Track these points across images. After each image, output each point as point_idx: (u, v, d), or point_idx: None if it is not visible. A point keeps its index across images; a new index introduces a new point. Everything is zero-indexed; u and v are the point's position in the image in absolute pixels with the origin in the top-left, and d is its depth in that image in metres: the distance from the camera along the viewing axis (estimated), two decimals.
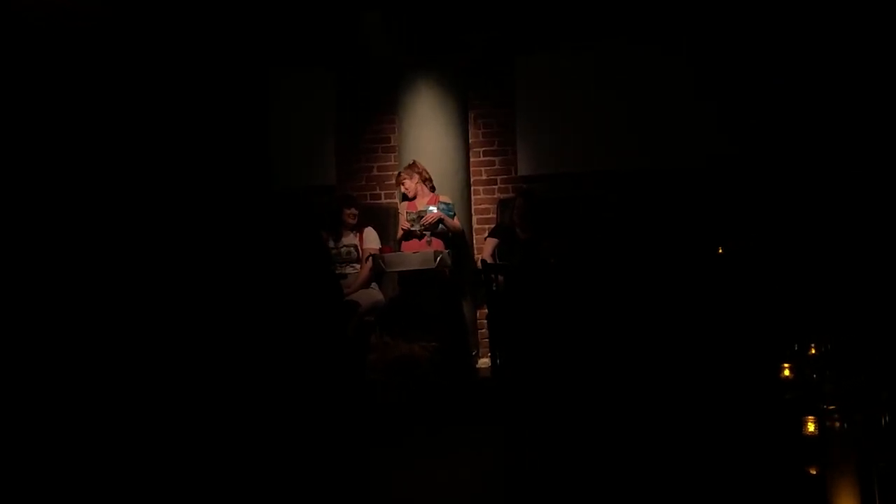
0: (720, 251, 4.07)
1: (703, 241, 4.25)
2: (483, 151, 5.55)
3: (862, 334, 3.00)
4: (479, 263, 4.64)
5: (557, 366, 3.14)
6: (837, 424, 2.27)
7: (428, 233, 4.78)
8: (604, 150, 5.32)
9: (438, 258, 4.51)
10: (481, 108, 5.53)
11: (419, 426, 3.63)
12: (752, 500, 2.39)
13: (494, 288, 4.06)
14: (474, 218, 5.44)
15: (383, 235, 5.01)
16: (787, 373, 2.84)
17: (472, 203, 5.42)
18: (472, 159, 5.42)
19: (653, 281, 3.22)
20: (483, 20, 5.11)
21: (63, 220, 2.28)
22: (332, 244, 4.82)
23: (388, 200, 5.52)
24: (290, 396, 2.10)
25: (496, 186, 5.53)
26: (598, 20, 5.29)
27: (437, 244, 4.78)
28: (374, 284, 4.82)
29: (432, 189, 4.97)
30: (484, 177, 5.53)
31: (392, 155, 5.56)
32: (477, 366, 5.06)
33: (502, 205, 5.29)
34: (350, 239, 4.88)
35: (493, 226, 5.20)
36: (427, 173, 4.94)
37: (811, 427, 2.39)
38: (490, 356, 4.24)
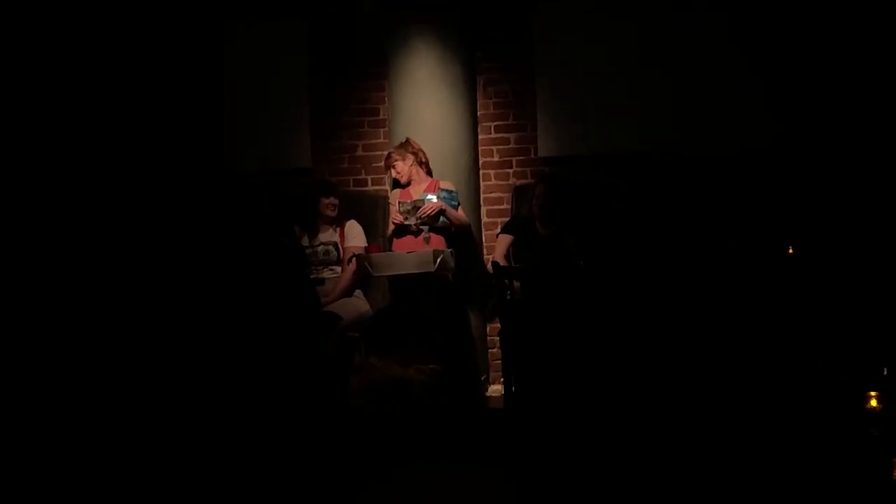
0: (790, 251, 4.07)
1: (771, 242, 4.24)
2: (494, 126, 5.53)
3: None
4: (489, 266, 4.63)
5: (587, 395, 3.12)
6: None
7: (426, 227, 4.77)
8: (646, 127, 5.31)
9: (438, 259, 4.49)
10: (492, 71, 5.51)
11: (413, 468, 3.60)
12: None
13: (509, 296, 4.04)
14: (483, 209, 5.43)
15: (370, 231, 4.99)
16: (873, 402, 2.82)
17: (481, 191, 5.41)
18: (480, 136, 5.41)
19: (708, 290, 3.20)
20: None
21: None
22: (306, 242, 4.81)
23: (377, 187, 5.51)
24: (254, 434, 2.10)
25: (511, 170, 5.52)
26: None
27: (438, 242, 4.76)
28: (358, 292, 4.81)
29: (430, 173, 4.96)
30: (496, 158, 5.52)
31: (381, 130, 5.55)
32: (486, 393, 5.06)
33: (518, 193, 5.27)
34: (329, 235, 4.87)
35: (506, 219, 5.19)
36: (424, 153, 4.93)
37: None
38: (503, 382, 4.23)
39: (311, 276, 4.63)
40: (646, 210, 5.06)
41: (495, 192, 5.50)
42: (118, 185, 2.41)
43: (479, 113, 5.41)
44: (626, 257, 3.98)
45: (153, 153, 2.80)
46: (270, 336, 2.19)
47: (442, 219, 4.80)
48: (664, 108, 5.34)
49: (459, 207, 4.91)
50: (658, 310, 3.16)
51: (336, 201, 4.89)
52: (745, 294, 3.26)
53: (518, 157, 5.52)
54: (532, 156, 5.50)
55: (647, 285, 3.27)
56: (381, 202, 5.20)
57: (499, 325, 4.52)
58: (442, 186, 4.88)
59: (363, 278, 4.72)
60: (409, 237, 4.80)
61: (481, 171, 5.42)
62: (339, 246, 4.84)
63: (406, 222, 4.77)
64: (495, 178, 5.52)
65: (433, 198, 4.79)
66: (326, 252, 4.83)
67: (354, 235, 4.88)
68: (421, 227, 4.77)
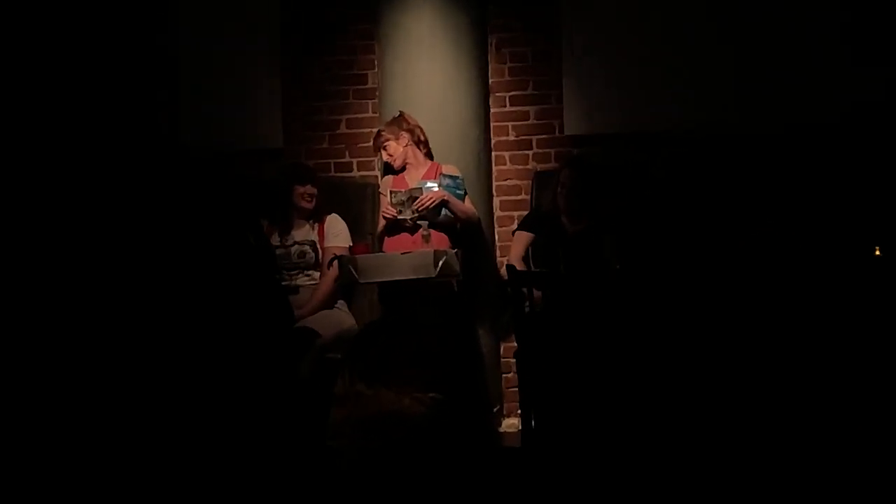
0: (877, 252, 4.07)
1: (853, 241, 4.24)
2: (510, 98, 5.54)
3: None
4: (503, 270, 4.62)
5: (624, 432, 3.12)
6: None
7: (424, 223, 4.77)
8: (700, 101, 5.31)
9: (441, 262, 4.49)
10: (508, 31, 5.52)
11: None
12: None
13: (528, 308, 4.03)
14: (496, 200, 5.45)
15: (355, 227, 5.00)
16: None
17: (494, 177, 5.43)
18: (493, 109, 5.43)
19: (775, 295, 3.20)
20: None
21: None
22: (276, 240, 4.82)
23: (364, 172, 5.53)
24: (216, 471, 2.12)
25: (531, 152, 5.52)
26: None
27: (439, 240, 4.76)
28: (340, 302, 4.83)
29: (430, 155, 4.95)
30: (512, 136, 5.53)
31: (370, 103, 5.56)
32: (500, 429, 5.08)
33: (540, 180, 5.28)
34: (305, 232, 4.88)
35: (525, 212, 5.20)
36: (422, 131, 4.93)
37: None
38: (520, 414, 4.22)
39: (283, 283, 4.64)
40: (696, 200, 5.06)
41: (511, 179, 5.51)
42: (48, 162, 2.43)
43: (490, 80, 5.42)
44: (675, 260, 3.98)
45: (91, 129, 2.81)
46: (230, 358, 2.19)
47: (444, 212, 4.79)
48: (721, 77, 5.33)
49: (466, 198, 4.91)
50: (716, 327, 3.15)
51: (314, 191, 4.89)
52: (822, 315, 3.25)
53: (539, 136, 5.52)
54: (556, 134, 5.51)
55: (702, 296, 3.26)
56: (370, 191, 5.21)
57: (515, 343, 4.51)
58: (444, 172, 4.88)
59: (347, 286, 4.72)
60: (404, 235, 4.80)
61: (493, 153, 5.43)
62: (318, 246, 4.85)
63: (400, 216, 4.76)
64: (511, 162, 5.52)
65: (433, 186, 4.78)
66: (302, 253, 4.84)
67: (336, 233, 4.89)
68: (419, 222, 4.77)
